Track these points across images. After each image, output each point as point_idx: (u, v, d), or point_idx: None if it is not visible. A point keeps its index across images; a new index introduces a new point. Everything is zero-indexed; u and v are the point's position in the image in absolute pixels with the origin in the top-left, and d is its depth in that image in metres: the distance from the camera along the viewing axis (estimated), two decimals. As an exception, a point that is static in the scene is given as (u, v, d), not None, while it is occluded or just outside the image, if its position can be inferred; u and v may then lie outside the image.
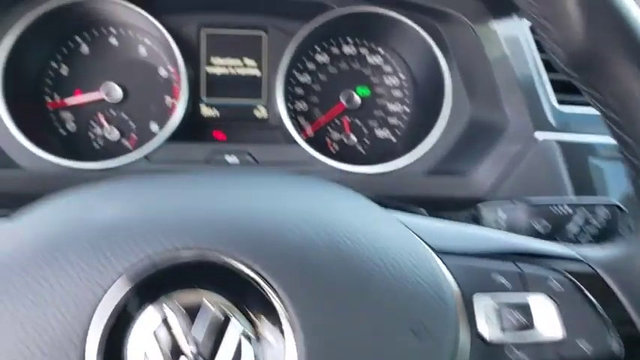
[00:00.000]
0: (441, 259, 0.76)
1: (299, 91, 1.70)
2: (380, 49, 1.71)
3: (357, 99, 1.68)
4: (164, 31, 1.51)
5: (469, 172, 1.48)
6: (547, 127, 1.42)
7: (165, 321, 0.60)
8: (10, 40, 1.44)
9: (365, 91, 1.70)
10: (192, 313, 0.61)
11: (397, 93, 1.72)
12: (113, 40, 1.63)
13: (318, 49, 1.70)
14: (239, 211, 0.68)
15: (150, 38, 1.63)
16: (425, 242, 0.78)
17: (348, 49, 1.71)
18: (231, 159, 1.49)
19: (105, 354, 0.58)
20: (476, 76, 1.52)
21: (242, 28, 1.68)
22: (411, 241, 0.76)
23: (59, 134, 1.60)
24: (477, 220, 1.17)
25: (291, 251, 0.66)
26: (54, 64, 1.60)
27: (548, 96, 1.44)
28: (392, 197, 1.46)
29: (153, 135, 1.63)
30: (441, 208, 1.45)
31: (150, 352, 0.59)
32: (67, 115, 1.61)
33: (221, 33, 1.67)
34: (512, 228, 1.08)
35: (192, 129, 1.64)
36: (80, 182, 1.42)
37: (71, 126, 1.62)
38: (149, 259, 0.62)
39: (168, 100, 1.64)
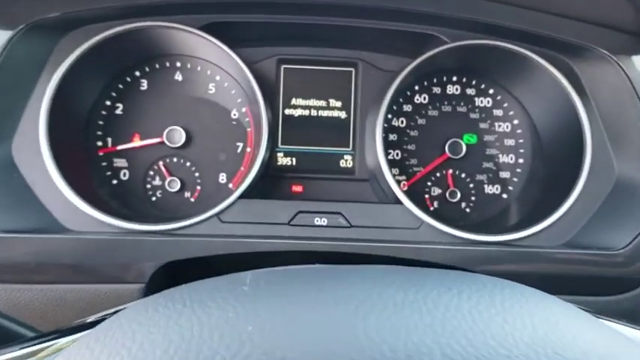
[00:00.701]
0: None
1: (392, 137, 1.43)
2: (490, 90, 1.43)
3: (463, 147, 1.39)
4: (243, 65, 1.26)
5: (617, 246, 1.17)
6: None
7: None
8: (59, 73, 1.20)
9: (471, 139, 1.42)
10: None
11: (509, 141, 1.43)
12: (177, 76, 1.38)
13: (417, 89, 1.43)
14: None
15: (221, 74, 1.38)
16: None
17: (452, 89, 1.43)
18: (321, 221, 1.21)
19: None
20: (624, 126, 1.23)
21: (327, 64, 1.42)
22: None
23: (110, 184, 1.35)
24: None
25: None
26: (108, 103, 1.35)
27: None
28: (521, 275, 1.17)
29: (221, 187, 1.37)
30: (580, 291, 1.16)
31: None
32: (120, 162, 1.36)
33: (302, 68, 1.42)
34: None
35: (268, 181, 1.38)
36: (139, 248, 1.17)
37: (124, 175, 1.36)
38: None
39: (239, 146, 1.38)
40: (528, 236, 1.21)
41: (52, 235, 1.10)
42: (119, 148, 1.35)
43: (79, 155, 1.30)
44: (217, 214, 1.19)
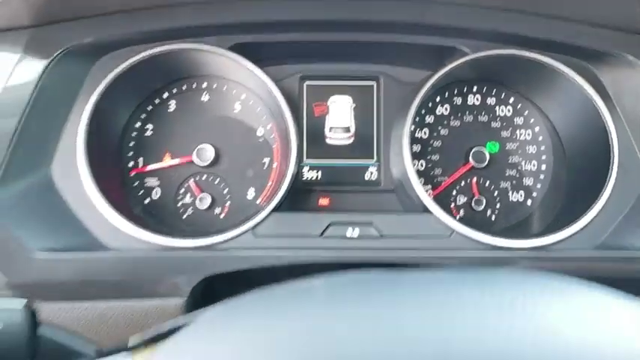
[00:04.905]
0: None
1: (416, 148, 1.45)
2: (511, 99, 1.45)
3: (486, 155, 1.41)
4: (270, 83, 1.29)
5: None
6: None
7: None
8: (94, 98, 1.24)
9: (494, 147, 1.44)
10: None
11: (531, 148, 1.45)
12: (204, 96, 1.42)
13: (438, 100, 1.46)
14: None
15: (247, 93, 1.41)
16: None
17: (473, 99, 1.46)
18: (353, 232, 1.23)
19: None
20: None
21: (349, 79, 1.45)
22: None
23: (143, 203, 1.38)
24: None
25: None
26: (138, 124, 1.39)
27: None
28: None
29: (250, 203, 1.40)
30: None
31: None
32: (152, 182, 1.39)
33: (325, 84, 1.45)
34: None
35: (295, 195, 1.40)
36: (179, 263, 1.19)
37: (156, 193, 1.39)
38: None
39: (266, 162, 1.41)
40: (561, 240, 1.22)
41: (93, 254, 1.14)
42: (150, 167, 1.39)
43: (114, 176, 1.33)
44: (252, 229, 1.22)
